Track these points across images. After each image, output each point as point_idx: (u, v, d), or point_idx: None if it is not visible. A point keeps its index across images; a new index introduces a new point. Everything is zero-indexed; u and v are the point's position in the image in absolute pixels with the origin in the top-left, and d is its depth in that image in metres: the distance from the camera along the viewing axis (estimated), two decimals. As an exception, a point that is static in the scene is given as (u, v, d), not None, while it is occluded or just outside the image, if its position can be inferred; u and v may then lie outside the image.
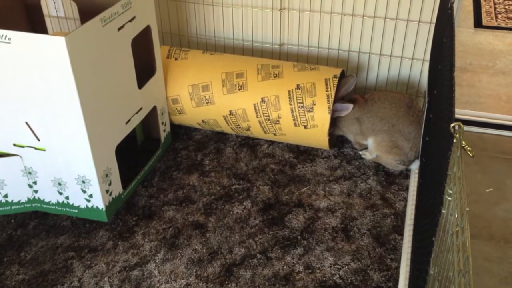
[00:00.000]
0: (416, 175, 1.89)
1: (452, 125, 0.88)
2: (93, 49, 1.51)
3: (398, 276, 1.56)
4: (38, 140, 1.60)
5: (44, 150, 1.62)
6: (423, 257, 1.16)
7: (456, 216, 0.81)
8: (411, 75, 2.15)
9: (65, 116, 1.52)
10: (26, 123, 1.57)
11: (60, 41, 1.38)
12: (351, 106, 1.93)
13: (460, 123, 0.87)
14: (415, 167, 1.93)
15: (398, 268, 1.59)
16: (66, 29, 2.43)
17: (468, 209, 0.74)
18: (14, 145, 1.63)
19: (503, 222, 1.75)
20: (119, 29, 1.61)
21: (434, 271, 0.99)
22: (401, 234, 1.71)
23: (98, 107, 1.58)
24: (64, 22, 2.42)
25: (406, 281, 1.49)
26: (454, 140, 0.88)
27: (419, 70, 2.13)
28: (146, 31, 1.81)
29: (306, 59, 2.27)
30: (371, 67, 2.20)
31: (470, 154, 0.87)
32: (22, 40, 1.41)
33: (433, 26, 2.01)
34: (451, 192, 0.87)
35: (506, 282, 1.53)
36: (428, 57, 2.07)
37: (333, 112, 1.94)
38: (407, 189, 1.89)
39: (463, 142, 0.87)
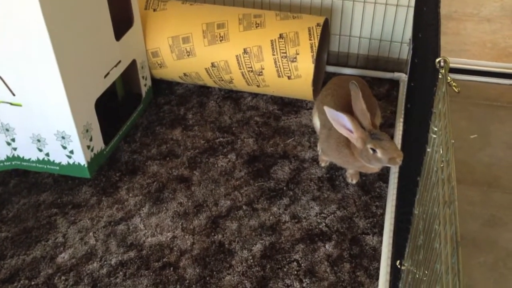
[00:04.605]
0: (401, 124, 1.87)
1: (437, 60, 0.85)
2: (65, -3, 1.44)
3: (383, 222, 1.56)
4: (14, 95, 1.55)
5: (21, 106, 1.57)
6: (408, 198, 1.16)
7: (441, 151, 0.79)
8: (396, 22, 2.10)
9: (40, 69, 1.47)
10: (0, 77, 1.51)
11: (29, -12, 1.31)
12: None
13: (446, 58, 0.85)
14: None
15: (383, 214, 1.60)
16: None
17: (453, 141, 0.72)
18: (-11, 101, 1.58)
19: (486, 167, 1.76)
20: (92, -24, 1.54)
21: (418, 211, 0.99)
22: (386, 182, 1.71)
23: (74, 60, 1.52)
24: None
25: (391, 227, 1.50)
26: (440, 76, 0.86)
27: (403, 17, 2.09)
28: (122, -20, 1.74)
29: (289, 8, 2.20)
30: (355, 15, 2.14)
31: (456, 90, 0.85)
32: (-11, -12, 1.34)
33: (418, -30, 1.96)
34: (436, 129, 0.86)
35: (489, 224, 1.55)
36: (413, 3, 2.03)
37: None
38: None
39: (449, 78, 0.85)
